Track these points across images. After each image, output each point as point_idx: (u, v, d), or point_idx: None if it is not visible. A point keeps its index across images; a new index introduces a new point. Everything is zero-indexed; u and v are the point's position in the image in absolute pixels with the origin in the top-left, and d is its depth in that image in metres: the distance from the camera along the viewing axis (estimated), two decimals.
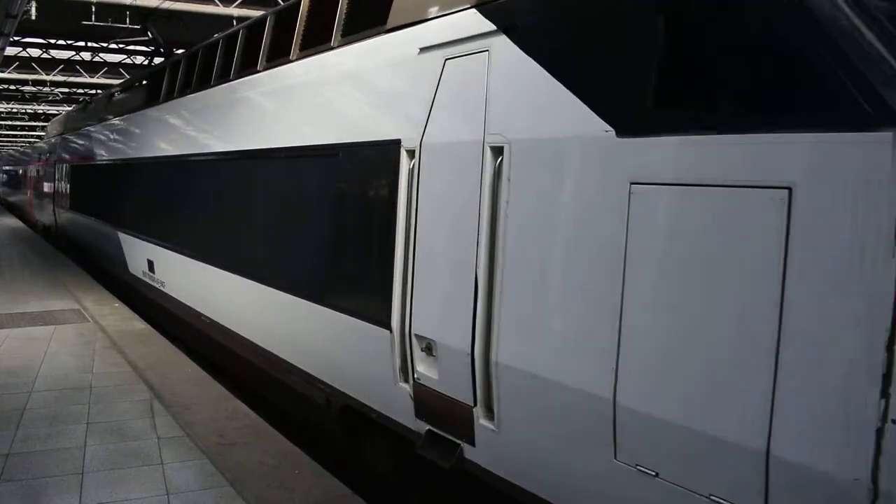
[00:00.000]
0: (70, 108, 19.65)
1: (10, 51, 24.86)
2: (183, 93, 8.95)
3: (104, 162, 13.36)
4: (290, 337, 5.92)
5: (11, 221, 26.65)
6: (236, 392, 6.68)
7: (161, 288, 9.32)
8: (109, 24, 23.63)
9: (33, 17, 19.83)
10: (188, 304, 8.32)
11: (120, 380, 6.65)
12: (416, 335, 4.14)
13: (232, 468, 4.73)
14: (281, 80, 6.27)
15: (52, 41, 28.13)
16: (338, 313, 4.97)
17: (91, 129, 14.86)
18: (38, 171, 24.25)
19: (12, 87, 39.39)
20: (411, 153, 4.27)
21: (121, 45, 26.10)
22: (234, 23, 18.96)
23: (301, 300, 5.46)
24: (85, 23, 24.25)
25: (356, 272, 4.95)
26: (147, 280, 9.94)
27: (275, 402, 6.71)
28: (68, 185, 16.87)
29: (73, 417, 5.64)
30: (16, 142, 73.34)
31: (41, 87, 39.08)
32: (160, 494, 4.34)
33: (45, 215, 21.71)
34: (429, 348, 4.06)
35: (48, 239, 20.06)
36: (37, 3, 20.27)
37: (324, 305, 5.15)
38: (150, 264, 9.67)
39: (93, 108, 15.69)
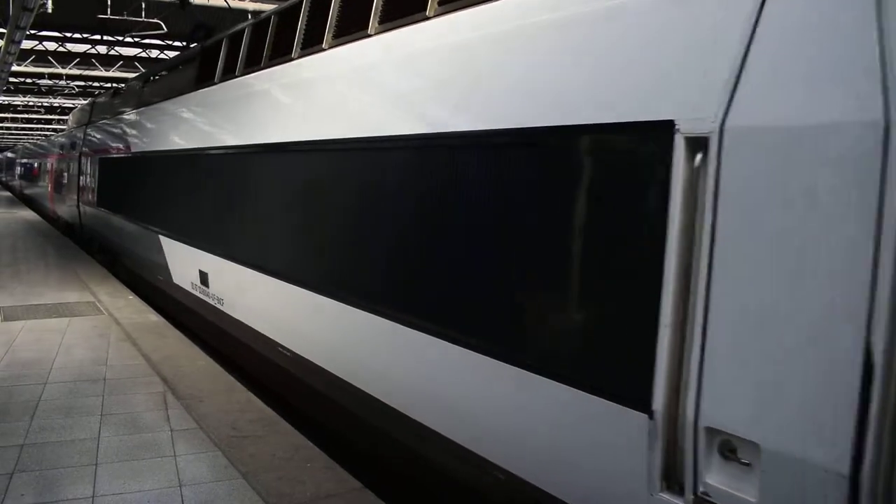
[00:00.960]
0: (97, 96, 17.69)
1: (27, 44, 25.01)
2: (253, 67, 7.16)
3: (140, 154, 11.33)
4: (449, 401, 4.19)
5: (28, 214, 26.81)
6: (247, 384, 6.70)
7: (218, 306, 7.74)
8: (125, 17, 23.76)
9: (49, 11, 19.95)
10: (260, 329, 6.74)
11: (134, 372, 6.69)
12: (710, 428, 2.70)
13: (244, 460, 4.75)
14: (413, 42, 4.65)
15: (68, 35, 28.32)
16: (539, 377, 3.43)
17: (123, 117, 12.97)
18: (59, 164, 22.46)
19: (29, 81, 39.69)
20: (697, 143, 2.71)
21: (136, 39, 26.23)
22: (249, 17, 18.95)
23: (472, 353, 3.84)
24: (100, 16, 24.39)
25: (583, 320, 3.30)
26: (198, 294, 8.40)
27: (407, 482, 5.03)
28: (95, 180, 15.02)
29: (88, 409, 5.68)
30: (32, 135, 73.89)
31: (57, 81, 39.35)
32: (173, 486, 4.36)
33: (67, 212, 20.12)
34: (731, 450, 2.68)
35: (72, 237, 18.67)
36: None
37: (513, 364, 3.58)
38: (203, 276, 8.05)
39: (125, 95, 13.74)
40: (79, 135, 18.26)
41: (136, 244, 11.52)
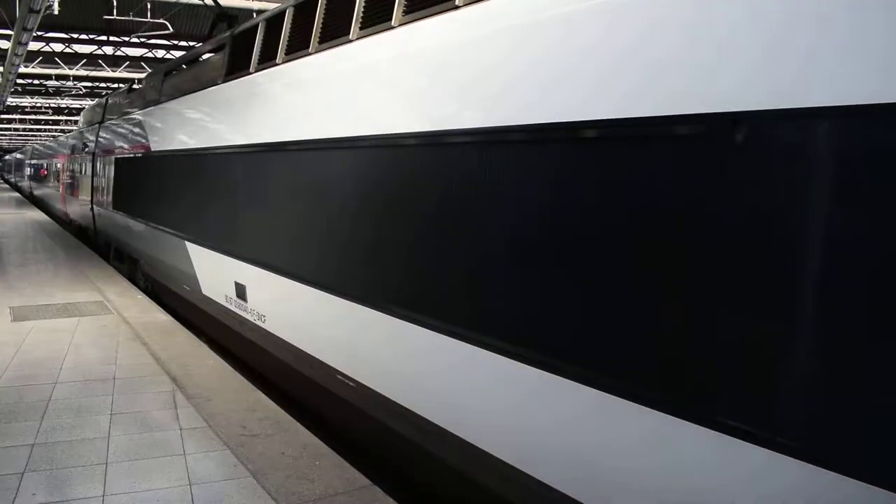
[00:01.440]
0: (112, 93, 16.62)
1: (34, 46, 25.11)
2: (299, 53, 6.21)
3: (162, 153, 10.27)
4: (554, 444, 3.48)
5: (37, 215, 26.91)
6: (257, 384, 6.72)
7: (259, 323, 6.81)
8: (131, 18, 23.84)
9: (56, 12, 20.04)
10: (313, 354, 5.87)
11: (143, 371, 6.72)
12: None
13: (253, 459, 4.76)
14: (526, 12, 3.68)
15: (75, 36, 28.44)
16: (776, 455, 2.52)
17: (141, 114, 11.87)
18: (70, 165, 21.33)
19: (36, 82, 39.88)
20: None
21: (142, 39, 26.31)
22: (254, 14, 18.99)
23: (649, 411, 2.95)
24: (107, 17, 24.48)
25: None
26: (234, 309, 7.45)
27: None
28: (110, 181, 13.94)
29: (98, 408, 5.71)
30: (39, 136, 74.18)
31: (64, 82, 39.53)
32: (183, 485, 4.37)
33: (80, 215, 19.04)
34: None
35: (86, 241, 17.90)
36: None
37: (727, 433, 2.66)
38: (241, 289, 7.14)
39: (143, 91, 12.50)
40: (91, 134, 17.41)
41: (157, 250, 10.56)
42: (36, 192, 36.85)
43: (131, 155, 12.24)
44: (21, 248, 16.36)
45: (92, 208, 16.58)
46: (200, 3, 17.12)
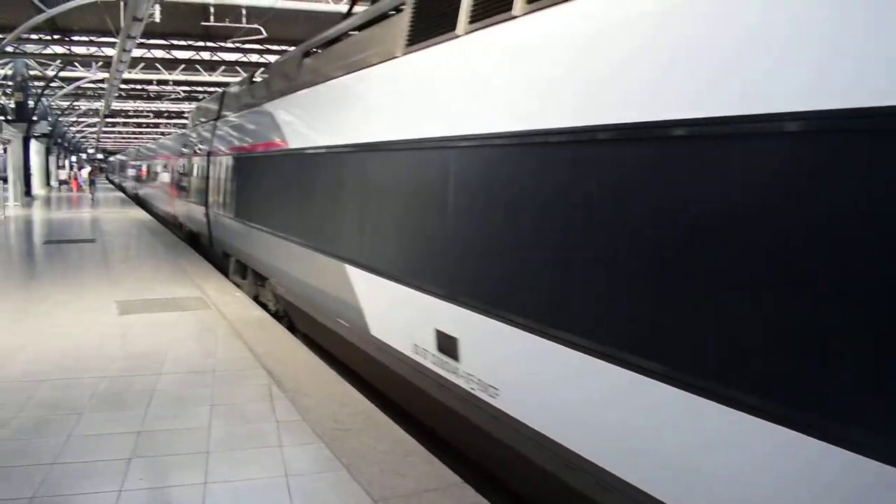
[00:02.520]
0: (228, 87, 14.93)
1: (136, 52, 26.34)
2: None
3: (306, 151, 8.11)
4: None
5: (140, 214, 28.15)
6: (347, 378, 6.83)
7: (483, 396, 4.57)
8: (226, 24, 24.70)
9: (157, 20, 20.97)
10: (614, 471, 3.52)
11: (241, 365, 6.94)
12: None
13: (346, 453, 4.84)
14: None
15: (174, 42, 29.67)
16: None
17: (273, 105, 9.83)
18: (180, 166, 19.69)
19: (138, 87, 41.86)
20: None
21: (237, 45, 27.21)
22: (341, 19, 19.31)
23: None
24: (204, 23, 25.44)
25: None
26: (429, 365, 5.26)
27: None
28: (231, 184, 12.00)
29: (198, 399, 5.93)
30: (141, 138, 77.71)
31: (164, 86, 41.32)
32: (280, 476, 4.49)
33: (191, 219, 17.24)
34: None
35: (197, 248, 16.84)
36: (160, 5, 21.40)
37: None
38: (445, 340, 4.97)
39: (273, 79, 10.39)
40: (206, 131, 15.69)
41: (298, 271, 8.37)
42: (140, 193, 35.82)
43: (260, 154, 10.31)
44: (125, 245, 17.18)
45: (207, 213, 14.71)
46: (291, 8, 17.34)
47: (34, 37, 26.68)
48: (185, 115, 55.19)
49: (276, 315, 10.11)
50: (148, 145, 37.52)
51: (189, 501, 4.14)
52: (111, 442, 4.99)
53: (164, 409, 5.69)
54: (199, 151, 16.20)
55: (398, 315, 5.82)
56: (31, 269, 13.36)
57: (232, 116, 12.93)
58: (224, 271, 13.19)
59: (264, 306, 10.60)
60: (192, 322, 8.74)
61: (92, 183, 41.98)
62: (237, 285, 11.88)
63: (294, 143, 8.66)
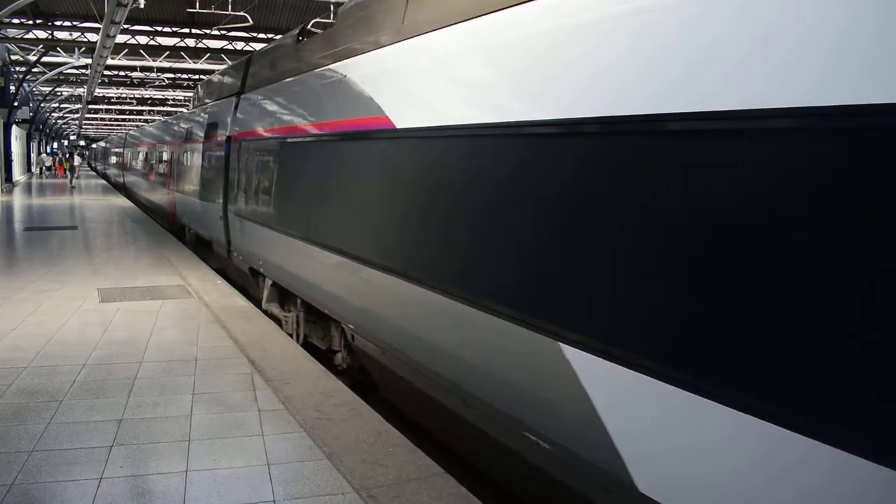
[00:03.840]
0: (256, 52, 11.88)
1: (120, 38, 26.07)
2: None
3: (441, 130, 4.84)
4: None
5: (123, 202, 27.85)
6: (333, 371, 6.83)
7: None
8: (212, 10, 24.50)
9: (142, 6, 20.75)
10: None
11: (223, 353, 6.92)
12: None
13: (328, 442, 4.85)
14: None
15: (159, 28, 29.39)
16: None
17: (358, 64, 6.46)
18: (186, 155, 15.57)
19: (122, 74, 41.45)
20: None
21: (223, 32, 27.00)
22: (332, 8, 19.22)
23: None
24: (189, 10, 25.21)
25: None
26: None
27: None
28: (271, 180, 8.58)
29: (180, 388, 5.91)
30: (124, 125, 77.03)
31: (148, 73, 40.92)
32: (261, 464, 4.49)
33: (201, 221, 13.66)
34: None
35: (200, 253, 13.87)
36: None
37: None
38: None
39: (365, 19, 6.73)
40: (224, 110, 12.12)
41: (410, 318, 5.30)
42: (127, 183, 31.21)
43: (331, 138, 6.82)
44: (107, 232, 17.04)
45: (225, 217, 11.23)
46: None
47: (16, 21, 26.32)
48: (169, 101, 54.75)
49: (345, 371, 7.33)
50: (139, 129, 32.06)
51: (170, 489, 4.13)
52: (92, 429, 4.97)
53: (146, 397, 5.66)
54: (214, 137, 12.53)
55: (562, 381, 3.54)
56: (11, 256, 13.23)
57: (268, 88, 9.52)
58: (253, 300, 9.78)
59: (316, 349, 7.90)
60: (174, 310, 8.69)
61: (72, 169, 41.52)
62: (268, 314, 8.99)
63: (408, 118, 5.34)
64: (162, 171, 19.68)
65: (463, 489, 4.26)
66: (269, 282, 9.19)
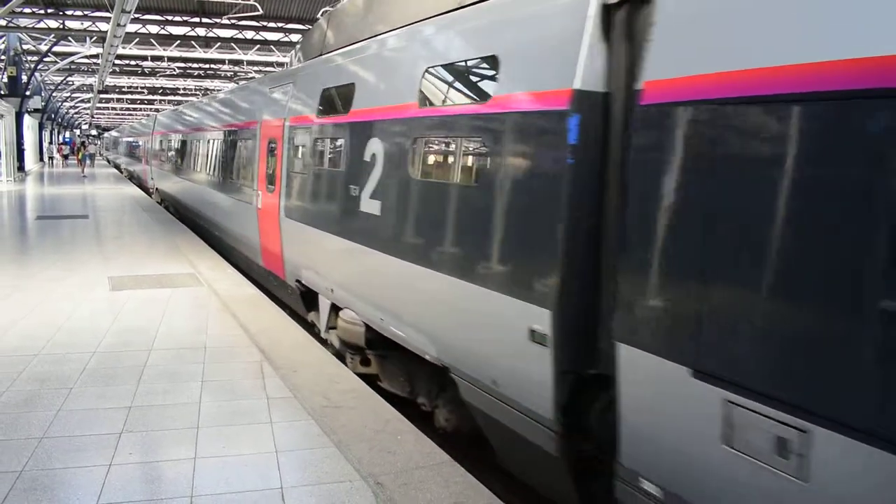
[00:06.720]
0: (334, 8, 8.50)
1: (131, 27, 26.09)
2: None
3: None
4: None
5: (134, 191, 27.92)
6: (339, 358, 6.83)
7: None
8: (222, 0, 24.46)
9: None
10: None
11: (232, 342, 6.93)
12: None
13: (337, 430, 4.85)
14: None
15: (169, 18, 29.38)
16: None
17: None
18: (231, 146, 12.13)
19: (133, 63, 41.52)
20: None
21: (233, 21, 26.99)
22: None
23: None
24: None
25: None
26: None
27: None
28: (396, 179, 5.62)
29: (189, 375, 5.92)
30: (135, 115, 77.24)
31: (159, 62, 40.97)
32: (270, 451, 4.50)
33: (249, 245, 10.51)
34: None
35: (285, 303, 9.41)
36: None
37: None
38: None
39: None
40: (280, 88, 9.38)
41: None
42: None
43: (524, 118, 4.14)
44: (118, 221, 17.10)
45: (280, 222, 8.66)
46: None
47: (28, 10, 26.37)
48: (180, 91, 54.77)
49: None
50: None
51: (178, 476, 4.14)
52: (101, 416, 4.99)
53: (155, 384, 5.68)
54: (273, 118, 9.37)
55: None
56: (23, 245, 13.30)
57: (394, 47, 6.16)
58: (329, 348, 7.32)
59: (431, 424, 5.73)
60: (184, 299, 8.72)
61: (84, 158, 41.66)
62: (335, 352, 6.97)
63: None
64: (183, 164, 16.07)
65: (471, 478, 4.26)
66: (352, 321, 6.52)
